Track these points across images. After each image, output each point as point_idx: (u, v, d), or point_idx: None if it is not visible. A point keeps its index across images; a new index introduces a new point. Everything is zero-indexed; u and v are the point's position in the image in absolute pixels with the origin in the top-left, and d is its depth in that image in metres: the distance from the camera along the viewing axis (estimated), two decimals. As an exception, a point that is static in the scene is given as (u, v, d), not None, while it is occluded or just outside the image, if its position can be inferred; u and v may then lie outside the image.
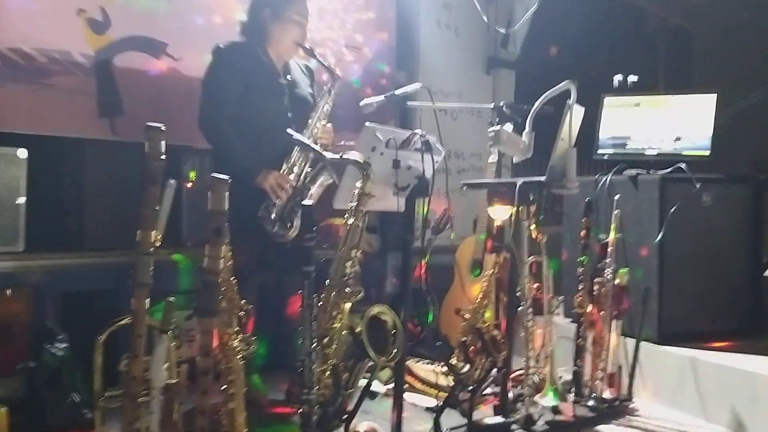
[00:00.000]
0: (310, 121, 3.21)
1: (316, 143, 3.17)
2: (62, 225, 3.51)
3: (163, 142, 2.01)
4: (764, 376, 2.93)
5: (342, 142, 3.35)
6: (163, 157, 2.01)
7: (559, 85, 2.77)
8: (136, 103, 3.55)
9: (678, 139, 3.69)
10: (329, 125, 3.27)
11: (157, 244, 2.04)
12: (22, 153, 3.10)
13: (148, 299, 2.02)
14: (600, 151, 3.92)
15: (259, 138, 3.13)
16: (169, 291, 2.53)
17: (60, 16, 3.36)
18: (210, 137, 3.18)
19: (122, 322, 2.17)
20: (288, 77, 3.31)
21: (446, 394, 2.84)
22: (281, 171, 3.12)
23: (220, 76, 3.15)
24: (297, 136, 2.89)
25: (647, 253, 3.50)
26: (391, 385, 2.77)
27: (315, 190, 3.11)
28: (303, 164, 3.15)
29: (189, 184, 3.60)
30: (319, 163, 3.05)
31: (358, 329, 2.44)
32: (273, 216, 3.09)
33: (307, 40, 3.32)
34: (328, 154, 2.83)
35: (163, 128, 2.02)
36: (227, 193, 2.03)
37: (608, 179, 3.69)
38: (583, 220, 3.33)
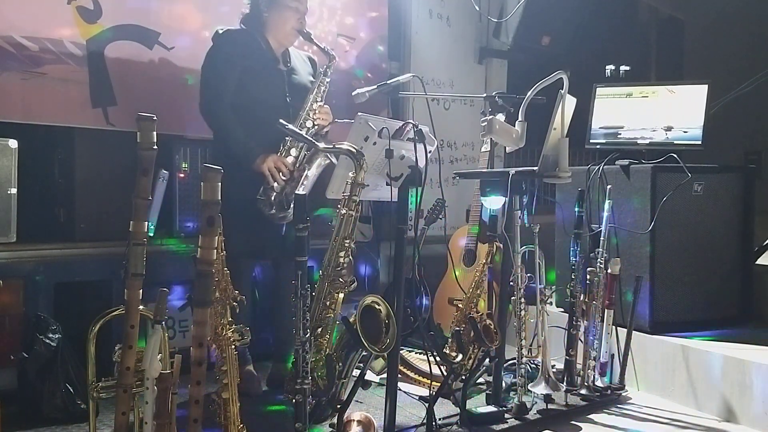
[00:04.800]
0: (305, 103, 3.21)
1: (313, 124, 3.18)
2: (54, 215, 3.50)
3: (154, 132, 2.00)
4: (755, 363, 2.96)
5: (336, 120, 3.33)
6: (154, 147, 2.01)
7: (551, 75, 2.78)
8: (129, 93, 3.52)
9: (670, 128, 3.70)
10: (326, 106, 3.27)
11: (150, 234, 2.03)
12: (13, 143, 3.08)
13: (141, 290, 2.02)
14: (592, 141, 3.93)
15: (257, 123, 3.12)
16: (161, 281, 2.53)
17: (51, 4, 3.32)
18: (210, 122, 3.21)
19: (115, 312, 2.17)
20: (288, 64, 3.31)
21: (439, 384, 2.85)
22: (279, 154, 3.13)
23: (218, 61, 3.17)
24: (289, 126, 2.88)
25: (639, 243, 3.51)
26: (385, 375, 2.78)
27: (312, 171, 3.12)
28: (300, 146, 3.15)
29: (181, 175, 3.59)
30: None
31: (351, 319, 2.45)
32: (272, 198, 3.09)
33: (306, 26, 3.30)
34: (321, 145, 2.84)
35: (154, 118, 2.01)
36: (220, 183, 2.02)
37: (600, 169, 3.70)
38: (575, 210, 3.34)
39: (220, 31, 3.21)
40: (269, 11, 3.22)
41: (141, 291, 2.02)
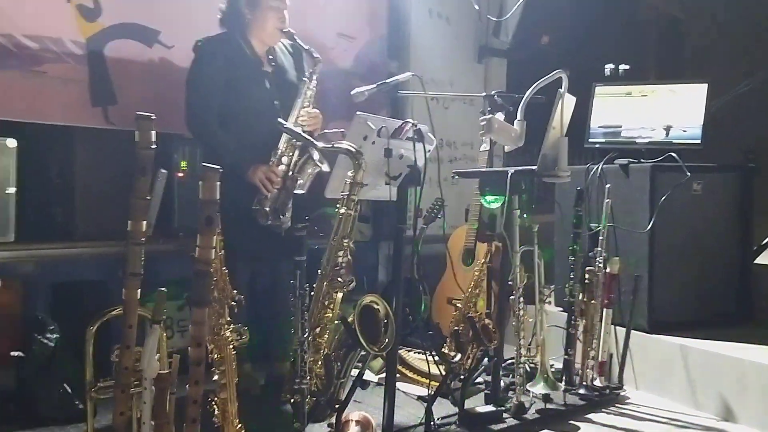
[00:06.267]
0: (293, 109, 3.17)
1: (302, 130, 3.15)
2: (52, 215, 3.49)
3: (153, 131, 2.00)
4: (753, 363, 2.96)
5: (325, 131, 3.32)
6: (153, 146, 2.00)
7: (550, 74, 2.78)
8: (129, 92, 3.51)
9: (669, 128, 3.70)
10: (315, 110, 3.23)
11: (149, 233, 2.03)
12: (12, 143, 3.07)
13: (139, 289, 2.02)
14: (591, 140, 3.93)
15: (246, 130, 3.10)
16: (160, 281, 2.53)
17: (51, 2, 3.30)
18: (198, 135, 3.18)
19: (113, 312, 2.16)
20: (273, 64, 3.27)
21: (438, 383, 2.85)
22: (270, 163, 3.10)
23: (203, 72, 3.11)
24: (288, 125, 2.87)
25: (638, 242, 3.51)
26: (383, 375, 2.78)
27: (304, 180, 3.10)
28: (291, 154, 3.13)
29: (180, 174, 3.58)
30: (306, 152, 3.04)
31: (350, 319, 2.45)
32: (267, 209, 3.08)
33: (291, 24, 3.24)
34: (320, 144, 2.83)
35: (153, 117, 2.00)
36: (219, 183, 2.02)
37: (599, 168, 3.70)
38: (574, 209, 3.34)
39: (202, 41, 3.14)
40: (252, 13, 3.16)
41: (139, 291, 2.02)
